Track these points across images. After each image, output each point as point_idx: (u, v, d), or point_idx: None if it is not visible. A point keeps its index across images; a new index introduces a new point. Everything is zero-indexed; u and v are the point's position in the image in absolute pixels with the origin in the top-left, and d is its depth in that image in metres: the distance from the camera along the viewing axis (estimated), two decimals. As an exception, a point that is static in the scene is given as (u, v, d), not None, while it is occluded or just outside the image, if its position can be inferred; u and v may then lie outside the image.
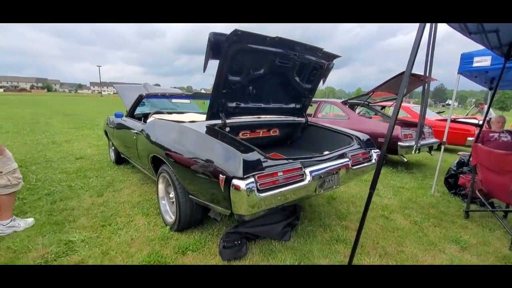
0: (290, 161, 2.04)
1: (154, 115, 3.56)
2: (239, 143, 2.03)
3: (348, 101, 6.23)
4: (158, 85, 20.51)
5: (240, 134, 2.85)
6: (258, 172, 1.76)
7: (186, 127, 2.33)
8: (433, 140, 5.54)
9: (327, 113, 6.78)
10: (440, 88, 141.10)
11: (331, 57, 2.72)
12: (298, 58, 2.52)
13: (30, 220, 2.65)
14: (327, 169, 2.21)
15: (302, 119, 3.32)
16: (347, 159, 2.45)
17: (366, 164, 2.65)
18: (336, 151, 2.47)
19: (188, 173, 2.14)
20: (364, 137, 2.91)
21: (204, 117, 2.62)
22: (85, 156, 5.45)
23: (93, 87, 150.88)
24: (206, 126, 2.39)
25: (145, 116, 4.06)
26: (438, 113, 9.87)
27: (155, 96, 4.00)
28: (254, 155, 1.84)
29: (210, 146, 2.02)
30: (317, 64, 2.73)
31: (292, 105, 3.09)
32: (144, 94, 3.81)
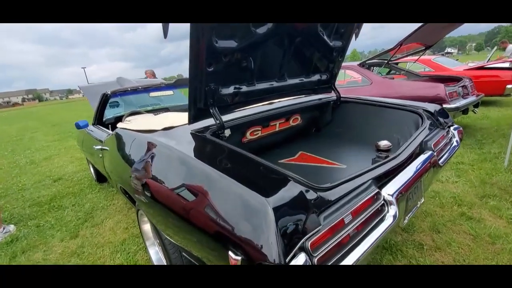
0: (351, 175, 1.09)
1: (128, 119, 2.56)
2: (253, 165, 1.07)
3: (367, 62, 5.11)
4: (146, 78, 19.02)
5: (248, 133, 1.88)
6: (311, 232, 0.81)
7: (157, 145, 1.37)
8: (480, 95, 4.51)
9: (338, 80, 5.67)
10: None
11: None
12: None
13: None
14: (411, 178, 1.25)
15: (332, 95, 2.31)
16: (430, 152, 1.48)
17: (451, 152, 1.68)
18: (410, 142, 1.49)
19: (172, 224, 1.22)
20: (434, 108, 1.92)
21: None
22: (64, 176, 4.56)
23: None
24: (192, 135, 1.42)
25: (120, 121, 3.07)
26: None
27: (125, 92, 2.98)
28: (291, 192, 0.88)
29: (199, 180, 1.07)
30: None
31: (317, 77, 2.07)
32: (108, 93, 2.80)
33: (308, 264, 0.76)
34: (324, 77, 2.13)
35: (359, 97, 2.27)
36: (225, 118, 1.60)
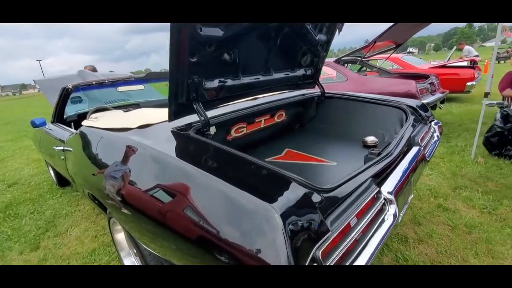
0: (351, 174, 1.03)
1: (93, 116, 2.29)
2: (250, 166, 0.96)
3: (342, 59, 5.19)
4: (112, 71, 17.90)
5: (233, 131, 1.75)
6: (321, 240, 0.73)
7: (132, 146, 1.20)
8: (445, 91, 4.79)
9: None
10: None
11: None
12: None
13: None
14: (405, 174, 1.23)
15: (316, 91, 2.26)
16: (418, 147, 1.48)
17: (434, 146, 1.71)
18: (400, 138, 1.48)
19: (147, 230, 1.08)
20: (416, 103, 1.95)
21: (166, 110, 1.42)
22: (20, 180, 4.07)
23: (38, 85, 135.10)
24: (173, 133, 1.27)
25: (83, 118, 2.77)
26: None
27: (89, 86, 2.69)
28: (296, 195, 0.79)
29: (180, 182, 0.94)
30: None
31: (302, 71, 2.00)
32: (69, 87, 2.50)
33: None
34: (308, 72, 2.07)
35: (343, 92, 2.25)
36: (209, 114, 1.46)
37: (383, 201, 1.05)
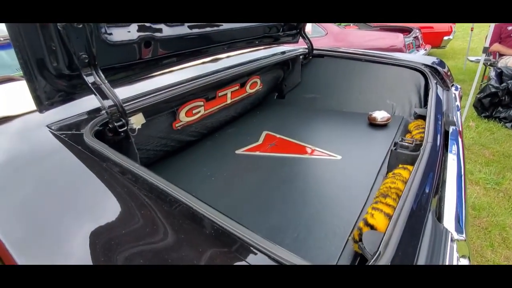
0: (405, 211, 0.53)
1: None
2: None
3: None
4: None
5: (183, 113, 1.12)
6: None
7: None
8: (428, 46, 4.41)
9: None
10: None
11: None
12: None
13: None
14: (462, 187, 0.77)
15: (300, 47, 1.65)
16: (456, 128, 1.03)
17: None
18: (433, 117, 0.99)
19: None
20: (434, 61, 1.45)
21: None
22: None
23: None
24: (54, 136, 0.64)
25: None
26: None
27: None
28: None
29: None
30: None
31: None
32: None
33: None
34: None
35: (337, 49, 1.66)
36: (130, 92, 0.83)
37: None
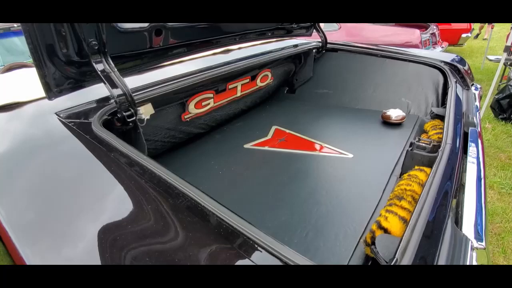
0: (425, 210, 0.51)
1: None
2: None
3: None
4: None
5: (192, 105, 1.10)
6: None
7: None
8: (445, 44, 4.26)
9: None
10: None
11: None
12: None
13: None
14: (482, 193, 0.74)
15: (313, 40, 1.60)
16: (475, 130, 0.99)
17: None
18: (452, 118, 0.95)
19: None
20: (454, 59, 1.39)
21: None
22: None
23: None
24: (62, 123, 0.63)
25: None
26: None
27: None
28: None
29: None
30: None
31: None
32: None
33: None
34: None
35: (351, 43, 1.61)
36: (140, 81, 0.81)
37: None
